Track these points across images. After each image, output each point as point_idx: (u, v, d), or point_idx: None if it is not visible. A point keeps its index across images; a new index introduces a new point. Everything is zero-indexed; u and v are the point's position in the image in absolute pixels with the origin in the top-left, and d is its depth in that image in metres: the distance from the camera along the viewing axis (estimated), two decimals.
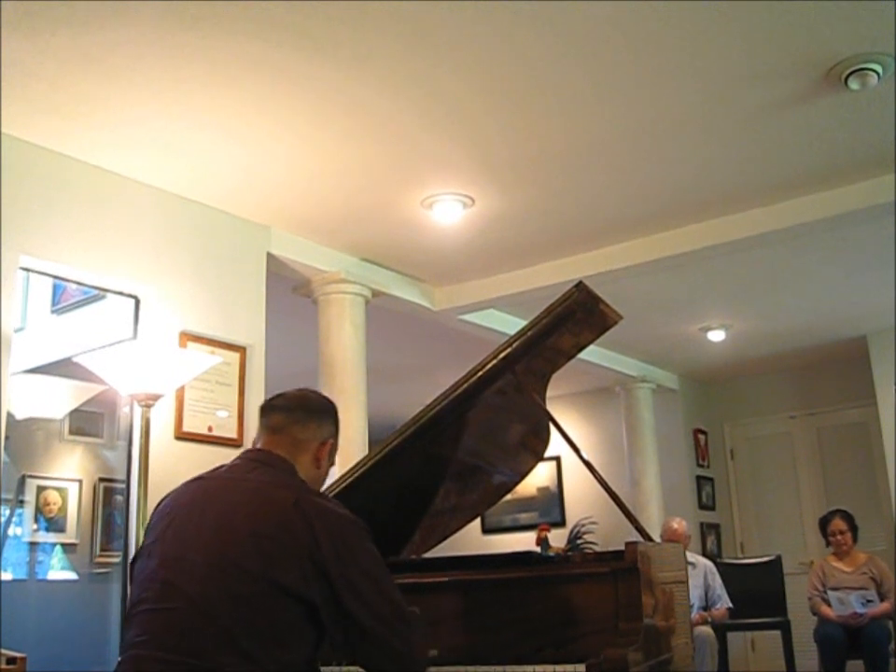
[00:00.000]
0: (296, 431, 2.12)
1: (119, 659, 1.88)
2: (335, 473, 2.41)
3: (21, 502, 4.37)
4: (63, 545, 4.54)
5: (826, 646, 5.59)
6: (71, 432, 4.63)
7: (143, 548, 2.00)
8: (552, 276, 5.39)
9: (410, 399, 5.02)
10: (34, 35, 3.07)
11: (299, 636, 1.85)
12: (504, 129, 3.89)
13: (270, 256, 4.71)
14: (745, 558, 7.50)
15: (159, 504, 2.09)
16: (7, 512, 4.31)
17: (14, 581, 4.32)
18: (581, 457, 2.69)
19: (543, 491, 8.57)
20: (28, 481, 4.39)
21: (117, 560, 4.19)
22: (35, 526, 4.46)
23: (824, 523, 5.94)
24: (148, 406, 3.51)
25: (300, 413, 2.15)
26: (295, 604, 1.83)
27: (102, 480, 4.62)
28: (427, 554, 2.97)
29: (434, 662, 2.25)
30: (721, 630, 5.96)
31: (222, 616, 1.78)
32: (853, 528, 5.83)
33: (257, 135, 3.84)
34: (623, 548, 2.27)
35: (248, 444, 2.38)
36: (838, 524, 5.84)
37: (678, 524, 6.02)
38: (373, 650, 1.92)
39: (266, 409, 2.18)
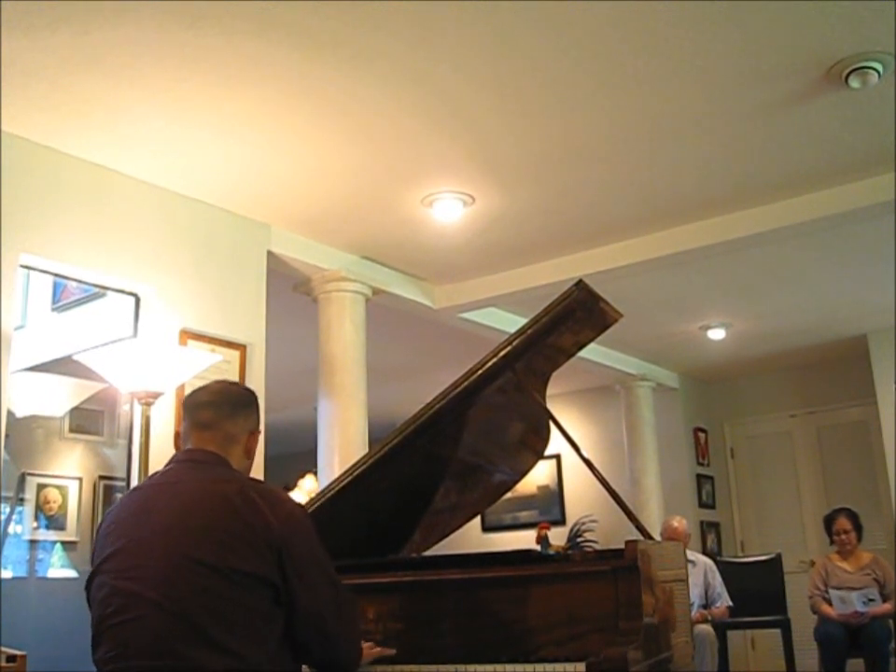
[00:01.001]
0: (227, 426, 2.11)
1: None
2: (335, 472, 2.41)
3: (22, 500, 4.37)
4: (64, 543, 4.54)
5: (826, 645, 5.58)
6: (71, 430, 4.63)
7: (96, 568, 1.99)
8: (552, 275, 5.39)
9: (410, 398, 5.02)
10: (34, 33, 3.07)
11: (268, 619, 1.88)
12: (504, 127, 3.89)
13: (270, 254, 4.71)
14: (745, 557, 7.50)
15: (102, 522, 2.08)
16: (8, 510, 4.31)
17: (14, 578, 4.32)
18: (581, 456, 2.69)
19: (543, 489, 8.56)
20: (28, 478, 4.39)
21: None
22: (35, 524, 4.46)
23: (829, 521, 5.91)
24: (149, 404, 3.51)
25: (228, 408, 2.14)
26: (260, 588, 1.86)
27: (102, 478, 4.62)
28: (428, 553, 2.97)
29: (434, 660, 2.26)
30: (721, 628, 5.96)
31: (191, 614, 1.80)
32: (858, 528, 5.80)
33: (257, 134, 3.84)
34: (623, 546, 2.27)
35: None
36: (843, 523, 5.81)
37: (678, 522, 6.02)
38: (312, 630, 1.96)
39: (192, 406, 2.16)
